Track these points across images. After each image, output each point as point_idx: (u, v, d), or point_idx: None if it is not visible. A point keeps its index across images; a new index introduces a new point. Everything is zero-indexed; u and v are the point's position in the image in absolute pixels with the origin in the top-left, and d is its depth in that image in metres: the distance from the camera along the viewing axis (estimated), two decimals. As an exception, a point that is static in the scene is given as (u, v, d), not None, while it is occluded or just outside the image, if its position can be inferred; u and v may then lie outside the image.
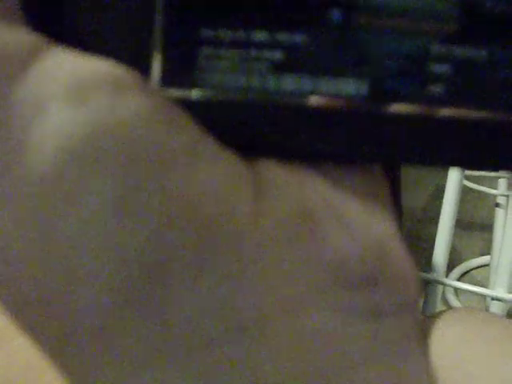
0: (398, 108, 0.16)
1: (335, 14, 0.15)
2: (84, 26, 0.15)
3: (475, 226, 1.88)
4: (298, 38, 0.15)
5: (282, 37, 0.15)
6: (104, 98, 0.14)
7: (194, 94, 0.16)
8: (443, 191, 1.32)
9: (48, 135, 0.14)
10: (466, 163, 0.17)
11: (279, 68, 0.16)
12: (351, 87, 0.16)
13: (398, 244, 0.17)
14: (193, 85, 0.16)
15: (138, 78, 0.14)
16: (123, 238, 0.14)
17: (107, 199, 0.14)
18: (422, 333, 0.17)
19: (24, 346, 0.24)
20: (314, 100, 0.16)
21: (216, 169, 0.15)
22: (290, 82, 0.16)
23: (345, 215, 0.16)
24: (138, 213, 0.14)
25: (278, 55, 0.15)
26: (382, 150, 0.16)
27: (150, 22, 0.15)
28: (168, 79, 0.15)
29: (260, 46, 0.15)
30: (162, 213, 0.14)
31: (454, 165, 0.17)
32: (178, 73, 0.15)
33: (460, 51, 0.16)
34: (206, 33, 0.15)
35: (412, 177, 1.86)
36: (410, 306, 0.17)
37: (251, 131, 0.16)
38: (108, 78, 0.14)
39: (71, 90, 0.14)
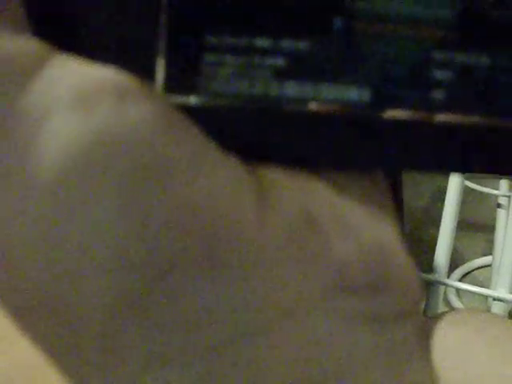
0: (400, 114, 0.16)
1: (337, 21, 0.15)
2: (88, 34, 0.15)
3: (477, 226, 1.88)
4: (301, 44, 0.15)
5: (285, 44, 0.15)
6: (108, 105, 0.14)
7: (198, 100, 0.16)
8: (445, 192, 1.32)
9: (53, 142, 0.14)
10: (467, 169, 0.17)
11: (282, 75, 0.16)
12: (353, 93, 0.16)
13: (400, 248, 0.17)
14: (196, 91, 0.16)
15: (141, 85, 0.15)
16: (127, 243, 0.14)
17: (112, 205, 0.14)
18: (425, 335, 0.18)
19: (26, 347, 0.24)
20: (316, 106, 0.16)
21: (219, 175, 0.15)
22: (292, 89, 0.16)
23: (347, 220, 0.16)
24: (142, 219, 0.14)
25: (280, 62, 0.16)
26: (384, 156, 0.16)
27: (154, 28, 0.15)
28: (172, 85, 0.16)
29: (263, 52, 0.15)
30: (166, 219, 0.14)
31: (455, 170, 0.17)
32: (182, 79, 0.16)
33: (461, 57, 0.16)
34: (210, 39, 0.15)
35: (413, 178, 1.86)
36: (413, 310, 0.17)
37: (254, 137, 0.16)
38: (112, 86, 0.14)
39: (75, 97, 0.14)
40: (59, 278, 0.14)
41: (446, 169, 0.17)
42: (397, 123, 0.16)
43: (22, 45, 0.14)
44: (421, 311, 0.17)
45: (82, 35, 0.15)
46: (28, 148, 0.14)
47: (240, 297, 0.15)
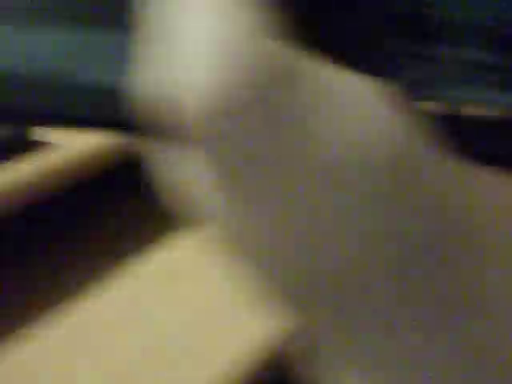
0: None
1: None
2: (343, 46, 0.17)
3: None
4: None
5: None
6: (385, 109, 0.16)
7: (437, 107, 0.17)
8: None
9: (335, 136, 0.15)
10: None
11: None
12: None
13: None
14: (435, 99, 0.17)
15: (394, 92, 0.16)
16: (400, 217, 0.15)
17: (376, 192, 0.15)
18: None
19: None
20: None
21: (474, 183, 0.16)
22: None
23: None
24: (411, 202, 0.15)
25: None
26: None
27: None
28: (411, 92, 0.17)
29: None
30: (417, 204, 0.15)
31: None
32: (421, 86, 0.17)
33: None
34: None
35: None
36: None
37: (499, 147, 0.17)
38: (382, 92, 0.16)
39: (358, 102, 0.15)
40: (316, 245, 0.16)
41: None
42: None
43: (282, 47, 0.15)
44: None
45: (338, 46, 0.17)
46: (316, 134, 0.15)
47: (478, 279, 0.16)
